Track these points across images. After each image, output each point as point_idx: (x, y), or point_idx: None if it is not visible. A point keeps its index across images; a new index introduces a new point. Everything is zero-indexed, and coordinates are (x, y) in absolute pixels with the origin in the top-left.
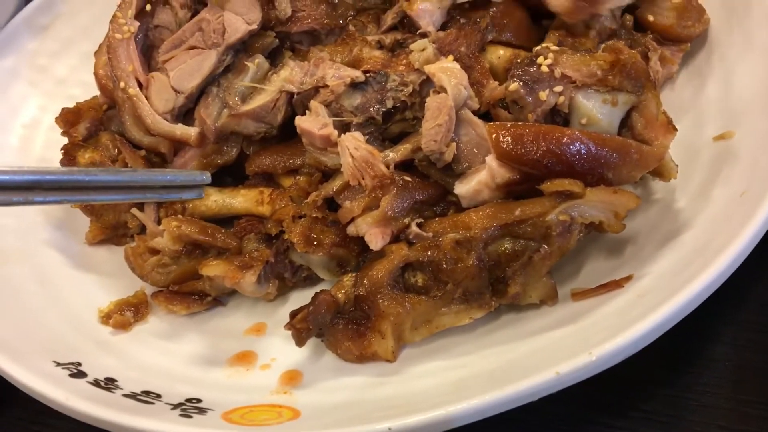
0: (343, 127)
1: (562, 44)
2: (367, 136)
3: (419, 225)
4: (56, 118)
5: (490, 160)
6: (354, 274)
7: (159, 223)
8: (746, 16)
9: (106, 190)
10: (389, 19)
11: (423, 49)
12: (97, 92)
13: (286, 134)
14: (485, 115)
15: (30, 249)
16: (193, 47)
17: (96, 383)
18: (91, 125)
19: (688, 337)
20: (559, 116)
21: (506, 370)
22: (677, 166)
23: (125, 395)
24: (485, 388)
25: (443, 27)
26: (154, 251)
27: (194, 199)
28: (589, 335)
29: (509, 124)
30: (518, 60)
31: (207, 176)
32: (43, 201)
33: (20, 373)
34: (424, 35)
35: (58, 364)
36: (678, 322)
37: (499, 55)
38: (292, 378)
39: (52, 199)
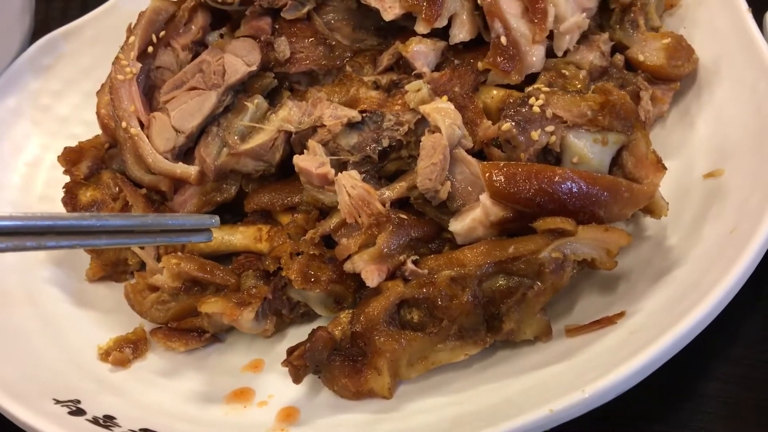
0: (340, 166)
1: (552, 85)
2: (364, 175)
3: (415, 262)
4: (58, 157)
5: (484, 198)
6: (351, 311)
7: (158, 260)
8: (734, 55)
9: (117, 235)
10: (385, 60)
11: (418, 90)
12: (99, 131)
13: (284, 172)
14: (479, 154)
15: (31, 286)
16: (193, 88)
17: (95, 421)
18: (92, 164)
19: (681, 373)
20: (551, 155)
21: (501, 406)
22: (668, 203)
23: None
24: (481, 425)
25: (438, 68)
26: (154, 288)
27: (203, 242)
28: (583, 372)
29: (502, 164)
30: (511, 100)
31: (216, 220)
32: (56, 246)
33: (20, 411)
34: (419, 76)
35: (58, 402)
36: (671, 358)
37: (492, 95)
38: (289, 415)
39: (65, 243)
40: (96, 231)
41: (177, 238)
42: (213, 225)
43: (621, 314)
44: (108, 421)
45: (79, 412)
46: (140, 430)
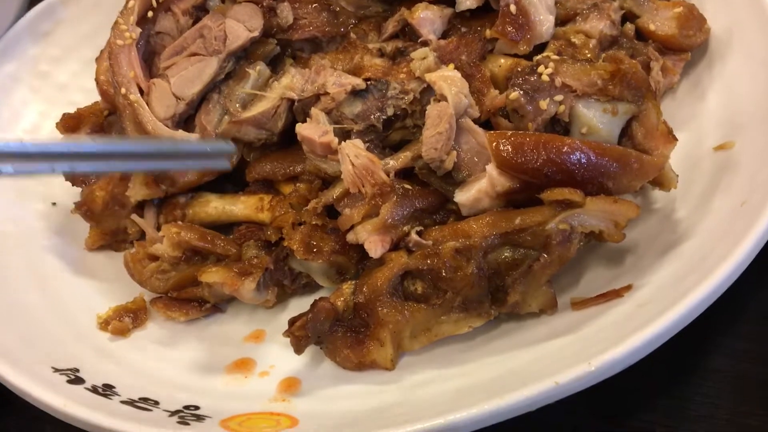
0: (344, 135)
1: (562, 54)
2: (368, 144)
3: (419, 233)
4: (57, 124)
5: (491, 168)
6: (353, 282)
7: (158, 229)
8: (746, 26)
9: (133, 159)
10: (390, 27)
11: (424, 58)
12: (98, 98)
13: (287, 141)
14: (486, 124)
15: (30, 255)
16: (194, 54)
17: (94, 389)
18: (91, 131)
19: (688, 347)
20: (559, 125)
21: (505, 379)
22: (677, 175)
23: (123, 402)
24: (484, 396)
25: (444, 35)
26: (154, 257)
27: (223, 169)
28: (589, 345)
29: (509, 133)
30: (519, 69)
31: (232, 146)
32: (69, 169)
33: (18, 379)
34: (425, 43)
35: (56, 370)
36: (677, 332)
37: (499, 63)
38: (291, 386)
39: (81, 167)
40: (112, 155)
41: (194, 164)
42: (230, 151)
43: (628, 287)
44: (107, 389)
45: (77, 380)
46: (139, 399)
